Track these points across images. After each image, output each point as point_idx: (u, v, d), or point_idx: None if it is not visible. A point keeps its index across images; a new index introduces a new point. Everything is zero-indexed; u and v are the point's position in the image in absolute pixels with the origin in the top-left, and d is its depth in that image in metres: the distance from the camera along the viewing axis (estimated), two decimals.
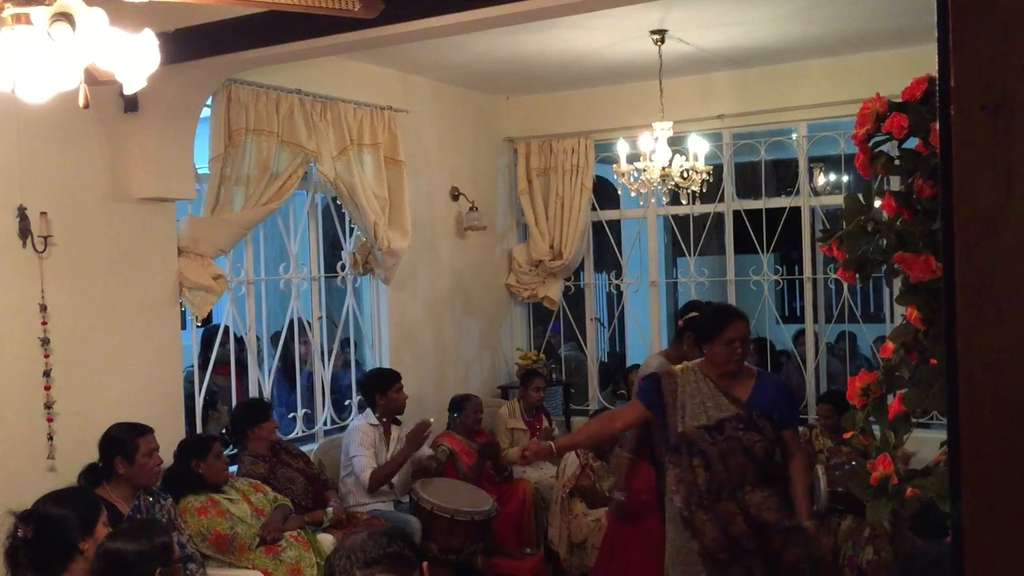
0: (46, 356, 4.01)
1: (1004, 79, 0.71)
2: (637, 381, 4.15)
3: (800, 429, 5.81)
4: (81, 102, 2.15)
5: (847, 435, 2.47)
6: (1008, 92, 0.71)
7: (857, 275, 2.40)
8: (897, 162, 2.34)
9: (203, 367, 5.21)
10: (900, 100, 2.31)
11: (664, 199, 6.97)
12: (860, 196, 2.33)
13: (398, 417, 5.44)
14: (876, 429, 2.33)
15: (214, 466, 4.21)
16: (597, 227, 7.30)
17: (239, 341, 5.41)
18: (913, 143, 2.30)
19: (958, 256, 0.71)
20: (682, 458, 3.79)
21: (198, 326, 5.15)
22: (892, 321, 6.10)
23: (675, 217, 7.09)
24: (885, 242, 2.30)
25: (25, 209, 3.95)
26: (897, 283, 2.38)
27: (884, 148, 2.40)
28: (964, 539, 0.73)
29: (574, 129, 7.00)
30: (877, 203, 2.43)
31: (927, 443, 2.69)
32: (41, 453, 3.98)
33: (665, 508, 3.98)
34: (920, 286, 2.22)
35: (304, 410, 5.70)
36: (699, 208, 6.86)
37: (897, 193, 2.31)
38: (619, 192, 6.03)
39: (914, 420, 2.38)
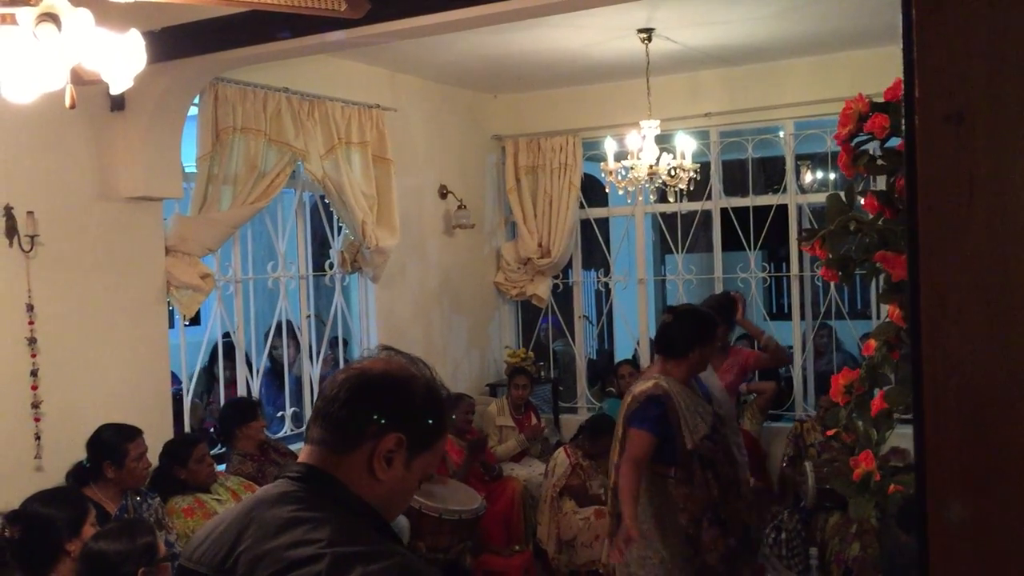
0: (33, 356, 4.00)
1: (966, 90, 0.73)
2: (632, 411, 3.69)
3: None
4: (67, 102, 2.15)
5: (830, 432, 2.50)
6: (970, 103, 0.73)
7: (840, 273, 2.43)
8: (880, 162, 2.36)
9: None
10: (883, 100, 2.33)
11: (652, 197, 7.00)
12: (842, 195, 2.35)
13: None
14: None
15: (196, 471, 4.16)
16: (585, 225, 7.31)
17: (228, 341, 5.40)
18: (895, 143, 2.32)
19: (922, 260, 0.73)
20: (694, 474, 3.60)
21: (185, 325, 5.14)
22: (879, 318, 6.14)
23: (663, 215, 7.11)
24: (868, 241, 2.32)
25: (12, 208, 3.94)
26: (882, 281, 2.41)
27: (867, 148, 2.43)
28: (928, 533, 0.75)
29: (562, 127, 7.00)
30: (861, 202, 2.45)
31: (910, 440, 2.72)
32: (28, 453, 3.97)
33: (660, 528, 3.66)
34: (902, 284, 2.24)
35: (293, 409, 5.70)
36: (687, 206, 6.88)
37: (879, 192, 2.33)
38: (607, 190, 6.04)
39: (897, 417, 2.40)
